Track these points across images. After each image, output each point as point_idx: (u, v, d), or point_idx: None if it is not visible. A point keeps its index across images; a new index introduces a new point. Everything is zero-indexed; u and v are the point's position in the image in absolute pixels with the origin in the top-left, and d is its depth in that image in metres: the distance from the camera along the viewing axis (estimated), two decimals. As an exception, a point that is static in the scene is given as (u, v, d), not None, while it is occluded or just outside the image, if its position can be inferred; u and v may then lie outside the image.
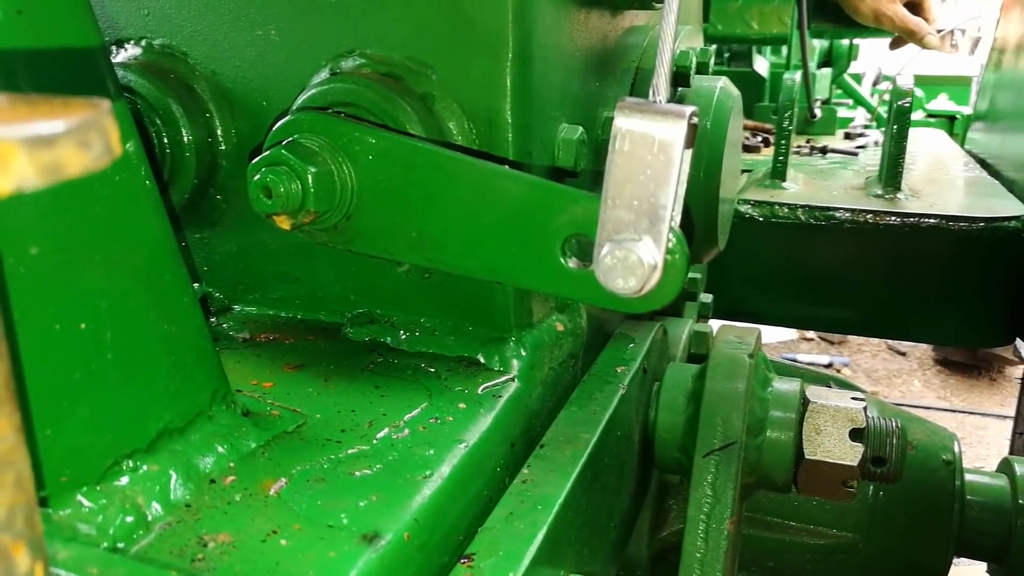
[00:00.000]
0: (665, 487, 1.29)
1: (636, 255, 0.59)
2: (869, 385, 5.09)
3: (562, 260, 0.65)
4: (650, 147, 0.57)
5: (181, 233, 0.91)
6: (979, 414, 4.57)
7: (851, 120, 3.74)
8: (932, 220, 1.62)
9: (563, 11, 0.80)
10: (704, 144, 1.06)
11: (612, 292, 0.60)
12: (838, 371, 5.25)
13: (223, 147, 0.86)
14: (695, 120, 0.58)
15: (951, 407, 4.72)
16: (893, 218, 1.65)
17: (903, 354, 5.47)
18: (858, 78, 5.22)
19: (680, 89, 1.08)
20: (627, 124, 0.57)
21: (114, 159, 0.30)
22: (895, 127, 1.80)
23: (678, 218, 0.61)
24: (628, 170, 0.58)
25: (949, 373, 5.15)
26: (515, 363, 0.80)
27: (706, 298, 1.62)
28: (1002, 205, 1.71)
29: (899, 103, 1.79)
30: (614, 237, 0.60)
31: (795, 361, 5.27)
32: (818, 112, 3.00)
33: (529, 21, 0.72)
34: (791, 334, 5.47)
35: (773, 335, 5.43)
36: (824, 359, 5.33)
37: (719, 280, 1.79)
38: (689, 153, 0.59)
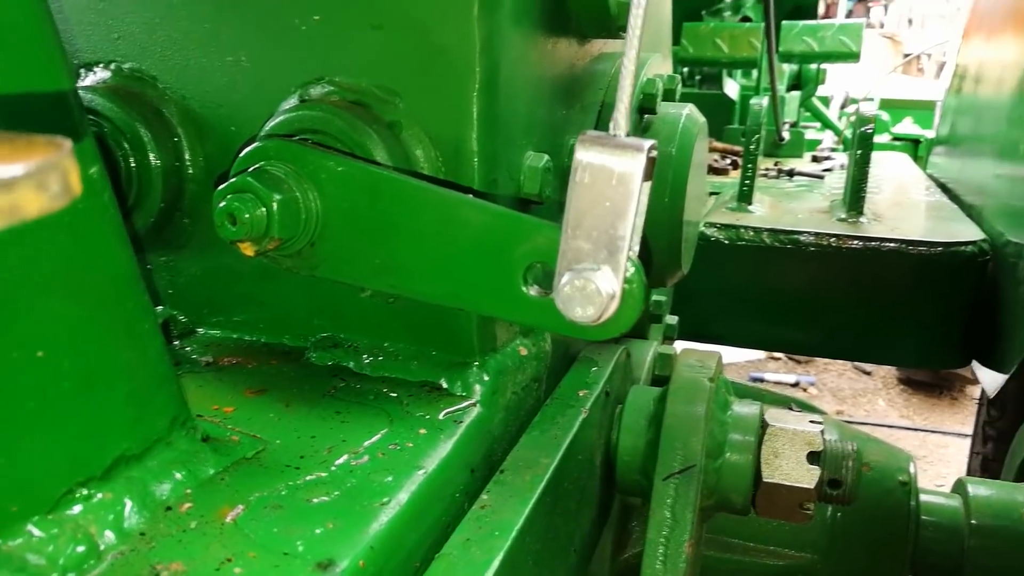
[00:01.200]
0: (628, 509, 1.30)
1: (595, 284, 0.60)
2: (835, 404, 5.15)
3: (524, 288, 0.66)
4: (609, 179, 0.58)
5: (146, 255, 0.91)
6: (940, 432, 4.64)
7: (819, 142, 3.81)
8: (892, 244, 1.66)
9: (530, 41, 0.81)
10: (669, 169, 1.07)
11: (571, 320, 0.62)
12: (804, 390, 5.31)
13: (191, 171, 0.86)
14: (654, 153, 0.59)
15: (914, 426, 4.79)
16: (855, 242, 1.68)
17: (868, 373, 5.54)
18: (826, 101, 5.32)
19: (646, 116, 1.09)
20: (587, 157, 0.58)
21: (73, 199, 0.30)
22: (858, 152, 1.84)
23: (636, 248, 0.62)
24: (588, 201, 0.59)
25: (912, 392, 5.23)
26: (478, 388, 0.81)
27: (671, 320, 1.64)
28: (960, 230, 1.75)
29: (862, 129, 1.83)
30: (574, 266, 0.61)
31: (762, 380, 5.32)
32: (786, 135, 3.06)
33: (496, 51, 0.74)
34: (759, 353, 5.52)
35: (741, 354, 5.49)
36: (791, 378, 5.38)
37: (686, 302, 1.82)
38: (648, 185, 0.60)
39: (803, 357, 5.50)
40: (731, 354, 5.63)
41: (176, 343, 0.92)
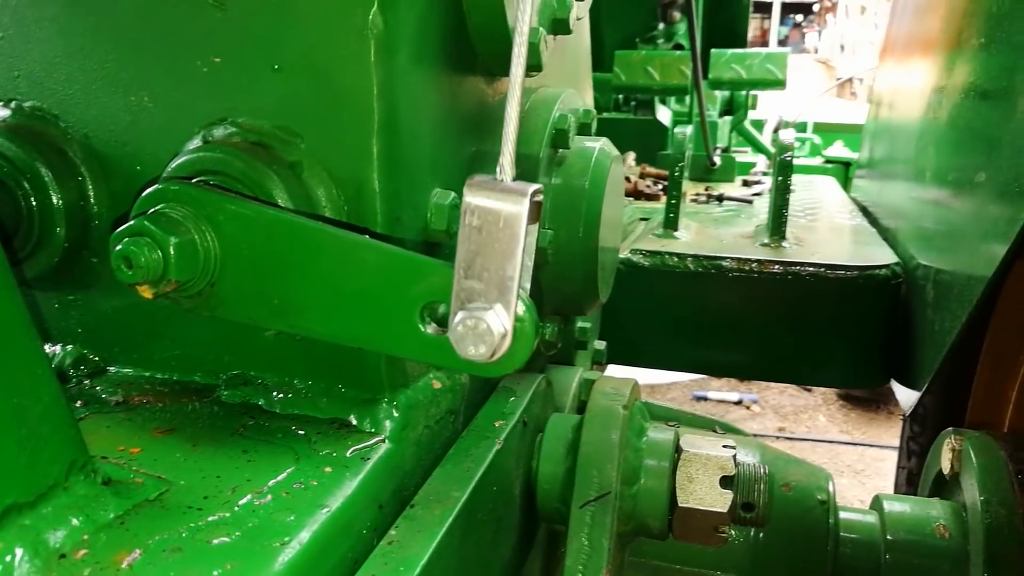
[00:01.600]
0: (555, 535, 1.31)
1: (486, 323, 0.61)
2: (777, 420, 5.24)
3: (421, 327, 0.67)
4: (496, 222, 0.60)
5: (52, 295, 0.90)
6: (878, 446, 4.75)
7: (754, 165, 3.91)
8: (811, 268, 1.71)
9: (432, 81, 0.83)
10: (583, 202, 1.10)
11: (465, 358, 0.63)
12: (748, 407, 5.40)
13: (96, 209, 0.86)
14: (539, 197, 0.61)
15: (852, 440, 4.90)
16: (776, 267, 1.73)
17: (809, 391, 5.66)
18: (759, 125, 5.46)
19: (560, 151, 1.12)
20: (475, 200, 0.60)
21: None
22: (779, 178, 1.90)
23: (527, 287, 0.64)
24: (478, 243, 0.61)
25: (851, 408, 5.35)
26: (387, 424, 0.81)
27: (600, 345, 1.67)
28: (876, 253, 1.81)
29: (782, 157, 1.89)
30: (466, 306, 0.62)
31: (705, 398, 5.40)
32: (718, 160, 3.13)
33: (395, 93, 0.75)
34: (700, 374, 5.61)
35: (686, 374, 5.56)
36: (734, 396, 5.47)
37: (616, 327, 1.85)
38: (535, 228, 0.62)
39: (744, 376, 5.58)
40: (676, 374, 5.70)
41: (86, 383, 0.91)
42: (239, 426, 0.81)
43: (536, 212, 0.61)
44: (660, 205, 2.44)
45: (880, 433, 4.98)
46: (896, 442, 4.56)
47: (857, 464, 4.58)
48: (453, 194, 0.84)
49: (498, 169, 0.62)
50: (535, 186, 0.60)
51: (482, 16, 0.86)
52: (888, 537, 1.27)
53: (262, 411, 0.84)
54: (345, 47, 0.73)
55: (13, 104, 0.85)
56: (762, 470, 1.06)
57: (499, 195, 0.60)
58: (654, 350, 1.93)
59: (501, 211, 0.60)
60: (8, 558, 0.57)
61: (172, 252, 0.66)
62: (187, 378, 0.90)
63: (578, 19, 1.14)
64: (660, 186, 2.69)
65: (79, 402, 0.85)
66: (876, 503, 1.36)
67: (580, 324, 1.43)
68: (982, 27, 1.32)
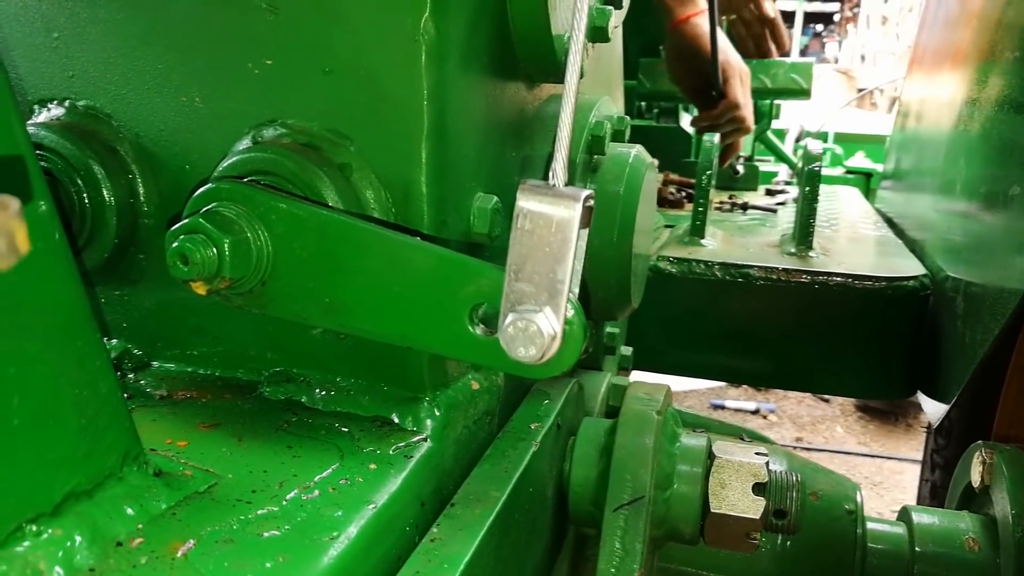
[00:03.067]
0: (583, 538, 1.32)
1: (536, 326, 0.62)
2: (794, 431, 5.22)
3: (470, 328, 0.68)
4: (548, 226, 0.61)
5: (100, 290, 0.92)
6: (896, 459, 4.72)
7: (776, 174, 3.90)
8: (838, 278, 1.71)
9: (478, 88, 0.84)
10: (617, 208, 1.11)
11: (515, 359, 0.64)
12: (765, 417, 5.38)
13: (145, 207, 0.87)
14: (590, 203, 0.62)
15: (870, 452, 4.87)
16: (803, 276, 1.73)
17: (827, 401, 5.63)
18: (781, 134, 5.45)
19: (596, 157, 1.13)
20: (528, 205, 0.61)
21: (20, 258, 0.32)
22: (807, 188, 1.90)
23: (576, 291, 0.65)
24: (529, 247, 0.62)
25: (869, 419, 5.32)
26: (428, 423, 0.82)
27: (626, 351, 1.68)
28: (903, 264, 1.81)
29: (810, 167, 1.89)
30: (516, 308, 0.63)
31: (723, 407, 5.39)
32: (741, 169, 3.13)
33: (443, 98, 0.76)
34: (721, 382, 5.59)
35: (703, 382, 5.55)
36: (751, 405, 5.45)
37: (642, 333, 1.85)
38: (585, 232, 0.63)
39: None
40: (693, 382, 5.69)
41: (131, 376, 0.93)
42: (283, 422, 0.82)
43: (587, 217, 0.62)
44: (684, 212, 2.45)
45: (898, 446, 4.95)
46: (914, 455, 4.55)
47: (875, 476, 4.55)
48: (495, 198, 0.85)
49: (551, 174, 0.63)
50: (587, 192, 0.61)
51: (526, 24, 0.87)
52: (917, 549, 1.27)
53: (305, 408, 0.85)
54: (396, 52, 0.74)
55: (67, 103, 0.87)
56: (794, 478, 1.07)
57: (552, 199, 0.61)
58: (677, 356, 1.93)
59: (553, 215, 0.61)
60: (68, 544, 0.58)
61: (227, 250, 0.68)
62: (230, 374, 0.91)
63: (615, 28, 1.15)
64: (684, 193, 2.69)
65: (125, 395, 0.87)
66: (904, 514, 1.36)
67: (609, 329, 1.44)
68: (1018, 41, 1.32)
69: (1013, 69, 1.32)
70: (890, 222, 2.40)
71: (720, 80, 2.25)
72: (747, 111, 2.39)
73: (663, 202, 2.64)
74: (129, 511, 0.64)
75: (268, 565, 0.61)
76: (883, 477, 4.58)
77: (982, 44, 1.52)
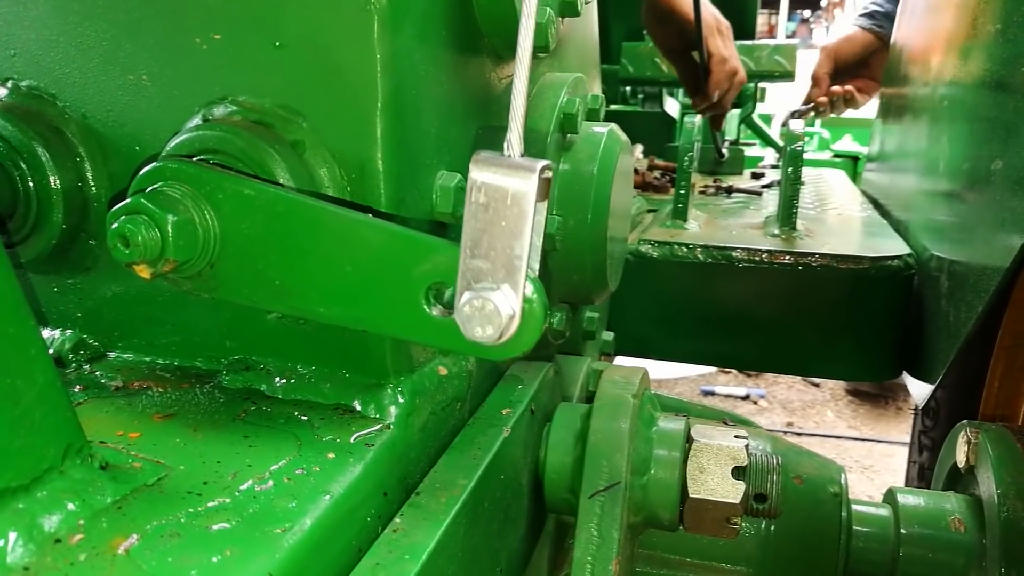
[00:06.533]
0: (563, 526, 1.30)
1: (493, 304, 0.60)
2: (785, 415, 5.22)
3: (425, 308, 0.65)
4: (504, 199, 0.58)
5: (51, 278, 0.89)
6: (886, 442, 4.73)
7: (762, 159, 3.88)
8: (822, 259, 1.69)
9: (437, 61, 0.81)
10: (591, 188, 1.08)
11: (472, 340, 0.61)
12: (755, 402, 5.38)
13: (95, 191, 0.84)
14: (548, 174, 0.59)
15: (861, 436, 4.87)
16: (787, 257, 1.71)
17: (817, 385, 5.63)
18: (768, 119, 5.43)
19: (568, 136, 1.10)
20: (481, 177, 0.58)
21: None
22: (789, 169, 1.88)
23: (536, 267, 0.62)
24: (484, 221, 0.59)
25: (859, 403, 5.32)
26: (392, 410, 0.79)
27: (607, 336, 1.65)
28: (887, 244, 1.79)
29: (792, 147, 1.86)
30: (473, 286, 0.60)
31: (713, 393, 5.38)
32: (726, 152, 3.10)
33: (399, 72, 0.73)
34: (710, 367, 5.58)
35: (693, 368, 5.54)
36: (741, 391, 5.45)
37: (624, 318, 1.83)
38: (544, 205, 0.60)
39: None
40: (683, 368, 5.68)
41: (86, 367, 0.89)
42: (241, 411, 0.79)
43: (545, 189, 0.59)
44: (668, 197, 2.42)
45: (888, 429, 4.95)
46: (904, 438, 4.55)
47: (865, 460, 4.55)
48: (459, 176, 0.82)
49: (505, 145, 0.60)
50: (544, 162, 0.58)
51: (488, -5, 0.84)
52: (902, 530, 1.25)
53: (264, 396, 0.82)
54: (348, 23, 0.71)
55: (10, 84, 0.83)
56: (774, 460, 1.04)
57: (506, 171, 0.58)
58: (662, 341, 1.90)
59: (508, 188, 0.58)
60: (1, 542, 0.55)
61: (170, 231, 0.64)
62: (188, 363, 0.88)
63: (586, 3, 1.12)
64: (668, 178, 2.66)
65: (78, 387, 0.84)
66: (890, 496, 1.34)
67: (588, 314, 1.41)
68: (998, 12, 1.29)
69: (995, 42, 1.30)
70: (875, 203, 2.38)
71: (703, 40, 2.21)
72: (735, 62, 2.36)
73: (647, 187, 2.61)
74: (70, 506, 0.61)
75: (215, 559, 0.58)
76: (873, 460, 4.58)
77: (964, 20, 1.50)
